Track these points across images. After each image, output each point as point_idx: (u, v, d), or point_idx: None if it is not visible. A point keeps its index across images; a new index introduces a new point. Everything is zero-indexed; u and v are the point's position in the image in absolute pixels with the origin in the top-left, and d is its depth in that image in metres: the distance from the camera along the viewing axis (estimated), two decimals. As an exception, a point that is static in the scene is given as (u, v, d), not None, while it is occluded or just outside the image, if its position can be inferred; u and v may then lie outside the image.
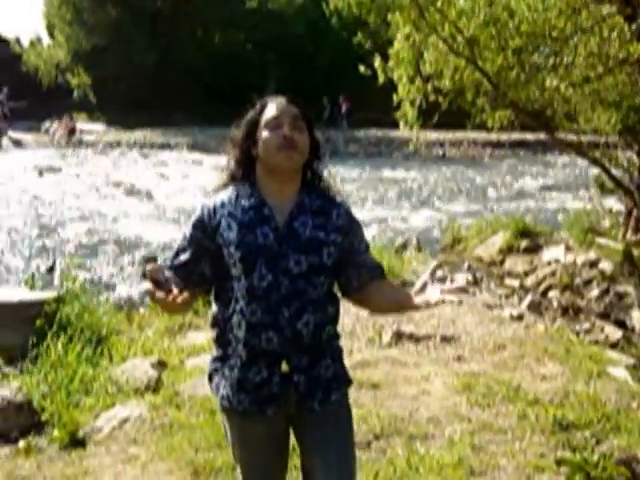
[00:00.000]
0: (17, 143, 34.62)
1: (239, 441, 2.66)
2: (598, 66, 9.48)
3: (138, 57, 40.63)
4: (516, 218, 12.81)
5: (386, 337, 6.71)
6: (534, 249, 11.39)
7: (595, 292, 9.16)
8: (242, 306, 2.45)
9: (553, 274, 10.05)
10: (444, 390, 5.43)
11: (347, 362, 2.74)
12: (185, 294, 2.24)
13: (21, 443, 4.67)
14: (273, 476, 2.71)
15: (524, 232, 11.87)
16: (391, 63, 10.22)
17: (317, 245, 2.48)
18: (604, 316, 8.64)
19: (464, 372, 5.81)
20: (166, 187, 21.30)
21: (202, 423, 4.79)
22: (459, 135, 31.58)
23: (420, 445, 4.48)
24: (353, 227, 2.61)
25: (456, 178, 24.54)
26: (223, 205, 2.51)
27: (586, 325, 8.34)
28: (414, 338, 6.69)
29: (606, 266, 9.59)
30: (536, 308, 8.84)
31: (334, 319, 2.60)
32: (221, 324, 2.55)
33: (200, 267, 2.53)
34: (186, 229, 2.59)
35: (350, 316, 6.94)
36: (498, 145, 31.19)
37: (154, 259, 12.26)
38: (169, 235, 14.20)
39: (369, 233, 12.65)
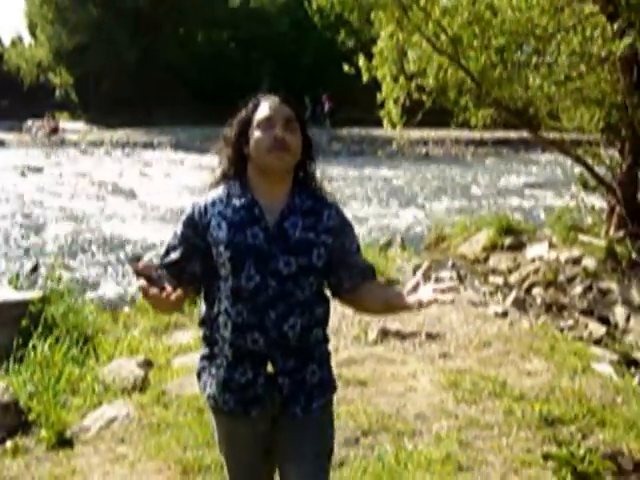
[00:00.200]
0: (-1, 143, 34.46)
1: (225, 440, 2.67)
2: (580, 64, 9.53)
3: (120, 56, 40.58)
4: (500, 216, 12.87)
5: (372, 334, 6.74)
6: (518, 246, 11.45)
7: (578, 289, 9.21)
8: (227, 306, 2.44)
9: (537, 271, 10.10)
10: (430, 387, 5.46)
11: (333, 360, 2.73)
12: (178, 291, 2.23)
13: (8, 443, 4.65)
14: (259, 476, 2.71)
15: (508, 230, 11.93)
16: (375, 62, 10.23)
17: (307, 246, 2.46)
18: (587, 312, 8.70)
19: (450, 369, 5.85)
20: (149, 186, 21.26)
21: (190, 422, 4.79)
22: (442, 133, 31.71)
23: (408, 441, 4.51)
24: (344, 228, 2.59)
25: (439, 176, 24.63)
26: (214, 204, 2.50)
27: (570, 322, 8.40)
28: (400, 335, 6.72)
29: (589, 263, 9.64)
30: (520, 305, 8.90)
31: (322, 322, 2.58)
32: (208, 323, 2.54)
33: (191, 266, 2.51)
34: (177, 227, 2.57)
35: (336, 314, 6.94)
36: (481, 143, 31.35)
37: (138, 258, 12.26)
38: (153, 234, 14.21)
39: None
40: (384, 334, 6.72)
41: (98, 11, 42.64)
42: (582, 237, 10.65)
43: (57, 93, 45.79)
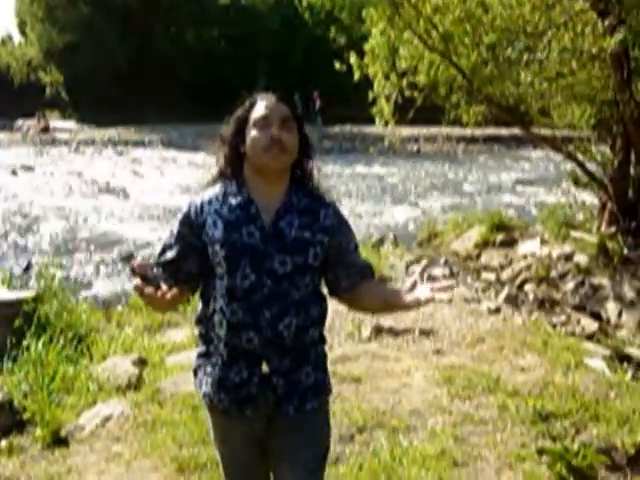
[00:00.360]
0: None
1: (221, 439, 2.67)
2: (571, 61, 9.56)
3: (110, 54, 40.49)
4: (491, 212, 12.89)
5: (365, 331, 6.76)
6: (510, 243, 11.47)
7: (570, 285, 9.25)
8: (222, 305, 2.43)
9: (529, 267, 10.13)
10: (425, 383, 5.48)
11: (328, 357, 2.71)
12: (174, 290, 2.24)
13: (3, 443, 4.66)
14: (255, 474, 2.70)
15: (500, 226, 11.94)
16: (366, 59, 10.24)
17: (303, 245, 2.45)
18: (580, 308, 8.73)
19: (444, 365, 5.87)
20: (141, 185, 21.22)
21: (185, 419, 4.79)
22: (433, 130, 31.74)
23: (403, 437, 4.53)
24: (341, 227, 2.58)
25: (431, 173, 24.65)
26: (210, 202, 2.49)
27: (562, 317, 8.43)
28: (393, 332, 6.74)
29: (581, 259, 9.68)
30: (513, 301, 8.93)
31: (318, 322, 2.57)
32: (204, 321, 2.54)
33: (187, 264, 2.50)
34: (173, 226, 2.56)
35: (330, 311, 6.94)
36: (472, 140, 31.37)
37: (131, 257, 12.25)
38: (145, 233, 14.20)
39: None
40: (378, 331, 6.74)
41: (88, 10, 42.54)
42: (574, 233, 10.68)
43: (47, 92, 45.58)
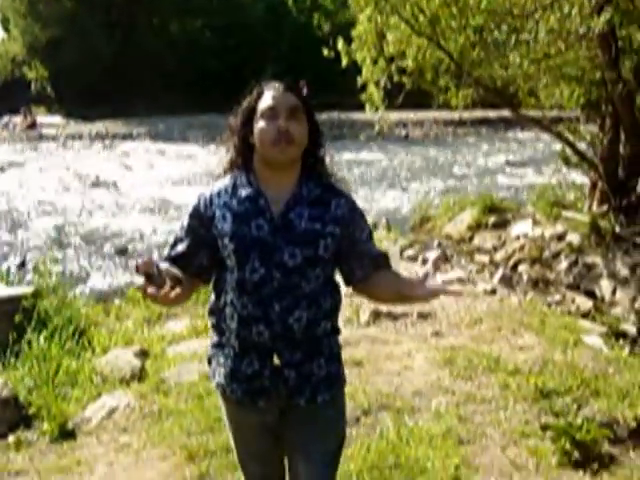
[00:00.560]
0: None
1: (235, 428, 2.68)
2: (559, 42, 9.57)
3: (95, 48, 40.33)
4: (483, 195, 12.95)
5: (364, 316, 6.80)
6: (502, 224, 11.53)
7: (564, 264, 9.32)
8: (233, 298, 2.41)
9: (522, 248, 10.20)
10: (426, 365, 5.54)
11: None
12: (177, 289, 2.20)
13: (10, 438, 4.68)
14: (271, 463, 2.70)
15: (491, 208, 12.00)
16: (354, 45, 10.25)
17: (313, 237, 2.39)
18: (574, 287, 8.81)
19: (444, 347, 5.93)
20: (131, 178, 21.14)
21: (191, 408, 4.83)
22: (421, 115, 31.77)
23: (408, 418, 4.60)
24: (354, 217, 2.50)
25: (421, 158, 24.68)
26: (219, 194, 2.46)
27: (557, 297, 8.50)
28: (392, 316, 6.79)
29: (573, 238, 9.74)
30: (507, 282, 9.00)
31: (331, 314, 2.52)
32: (216, 313, 2.52)
33: (198, 257, 2.48)
34: (183, 219, 2.54)
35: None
36: (460, 123, 31.44)
37: (125, 250, 12.27)
38: (137, 225, 14.21)
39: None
40: (376, 315, 6.79)
41: (71, 3, 42.30)
42: (565, 213, 10.74)
43: (33, 88, 45.32)
